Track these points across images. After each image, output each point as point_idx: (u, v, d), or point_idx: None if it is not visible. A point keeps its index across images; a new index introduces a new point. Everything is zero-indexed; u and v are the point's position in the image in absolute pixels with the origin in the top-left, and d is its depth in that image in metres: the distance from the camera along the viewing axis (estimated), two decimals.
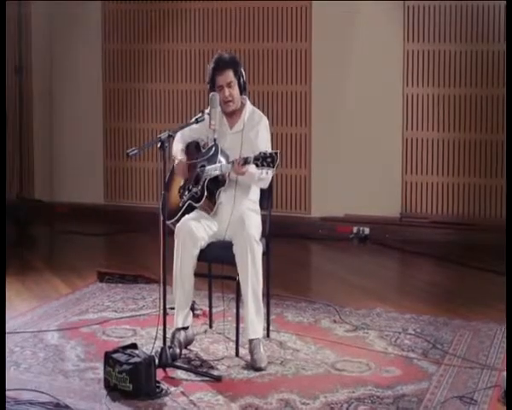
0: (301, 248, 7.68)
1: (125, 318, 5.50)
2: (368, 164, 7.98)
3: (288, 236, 7.73)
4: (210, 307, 5.32)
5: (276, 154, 4.47)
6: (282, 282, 6.15)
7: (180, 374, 4.51)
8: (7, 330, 5.10)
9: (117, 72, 8.78)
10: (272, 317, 5.32)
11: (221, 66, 4.85)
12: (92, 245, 7.79)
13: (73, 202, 8.85)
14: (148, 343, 4.82)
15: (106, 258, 7.52)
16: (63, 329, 5.24)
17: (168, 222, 4.85)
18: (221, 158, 4.83)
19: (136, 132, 8.73)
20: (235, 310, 4.90)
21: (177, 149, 5.00)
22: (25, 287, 6.27)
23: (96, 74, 8.83)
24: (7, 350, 4.80)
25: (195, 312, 5.44)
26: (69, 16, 8.80)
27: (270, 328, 5.15)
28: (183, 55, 8.50)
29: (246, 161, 4.58)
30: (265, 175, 4.62)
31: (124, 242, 7.91)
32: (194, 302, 5.41)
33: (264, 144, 4.85)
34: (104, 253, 7.78)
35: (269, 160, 4.47)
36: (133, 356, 4.26)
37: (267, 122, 4.99)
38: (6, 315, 5.39)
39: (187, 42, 8.47)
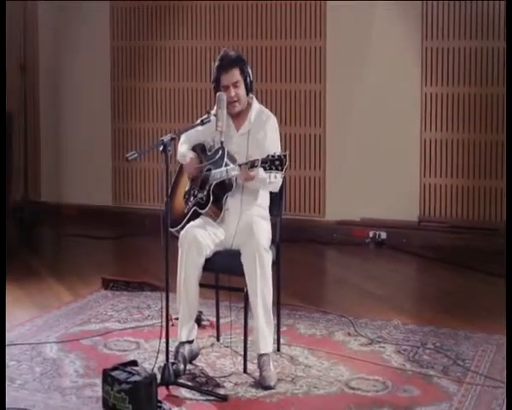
0: (315, 254, 7.40)
1: (129, 329, 5.23)
2: (385, 166, 7.69)
3: (301, 240, 7.48)
4: (217, 318, 5.04)
5: (284, 156, 4.19)
6: (294, 290, 5.90)
7: (184, 392, 4.25)
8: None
9: (125, 70, 8.53)
10: (283, 328, 5.06)
11: (227, 64, 4.58)
12: (98, 249, 7.52)
13: (80, 203, 8.60)
14: (152, 358, 4.57)
15: (112, 263, 7.27)
16: (63, 341, 4.98)
17: (172, 230, 4.58)
18: (228, 161, 4.56)
19: (145, 133, 8.48)
20: (243, 322, 4.62)
21: (184, 149, 4.73)
22: (26, 294, 6.03)
23: (104, 73, 8.57)
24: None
25: (202, 322, 5.20)
26: (76, 13, 8.55)
27: (281, 341, 4.87)
28: (194, 53, 8.24)
29: (253, 164, 4.30)
30: (274, 179, 4.35)
31: (131, 246, 7.64)
32: (201, 313, 5.19)
33: (273, 146, 4.57)
34: (111, 257, 7.52)
35: (277, 163, 4.20)
36: (133, 374, 3.99)
37: (275, 121, 4.71)
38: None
39: (197, 39, 8.21)
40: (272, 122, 4.68)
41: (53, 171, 8.81)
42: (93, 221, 8.33)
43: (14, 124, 8.59)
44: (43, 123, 8.82)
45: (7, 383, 4.33)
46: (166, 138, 4.20)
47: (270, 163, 4.22)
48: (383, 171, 7.69)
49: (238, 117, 4.69)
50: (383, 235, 7.56)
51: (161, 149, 4.17)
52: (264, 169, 4.24)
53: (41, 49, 8.73)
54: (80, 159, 8.69)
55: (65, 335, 5.10)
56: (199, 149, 4.76)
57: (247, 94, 4.64)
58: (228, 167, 4.48)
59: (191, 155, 4.68)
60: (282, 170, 4.21)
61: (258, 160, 4.27)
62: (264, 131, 4.63)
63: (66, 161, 8.79)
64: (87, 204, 8.58)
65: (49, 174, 8.83)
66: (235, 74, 4.57)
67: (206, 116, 4.51)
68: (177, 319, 4.71)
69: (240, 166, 4.42)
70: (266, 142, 4.59)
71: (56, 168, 8.81)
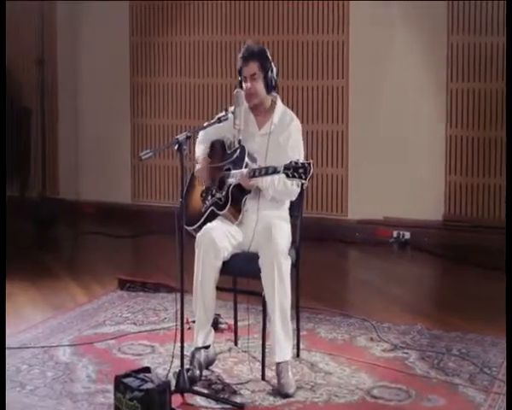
0: (337, 254, 7.22)
1: (144, 332, 5.08)
2: (409, 163, 7.50)
3: (323, 239, 7.35)
4: (235, 322, 4.89)
5: (308, 164, 3.99)
6: (315, 292, 5.75)
7: (199, 400, 4.09)
8: (16, 345, 4.75)
9: (145, 66, 8.39)
10: (303, 333, 4.89)
11: (247, 56, 4.45)
12: (116, 248, 7.38)
13: (99, 201, 8.49)
14: (167, 362, 4.41)
15: (130, 262, 7.13)
16: (76, 344, 4.84)
17: (189, 228, 4.44)
18: (248, 161, 4.40)
19: (166, 129, 8.35)
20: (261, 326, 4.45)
21: (200, 151, 4.58)
22: (41, 294, 5.90)
23: (123, 69, 8.45)
24: (13, 369, 4.44)
25: (220, 326, 5.05)
26: (95, 9, 8.41)
27: (301, 346, 4.70)
28: (215, 48, 8.09)
29: (275, 171, 4.12)
30: (291, 187, 4.24)
31: (150, 244, 7.50)
32: (218, 316, 5.05)
33: (296, 151, 4.39)
34: (128, 257, 7.38)
35: (301, 171, 4.00)
36: (146, 381, 3.84)
37: (299, 124, 4.54)
38: (16, 327, 5.08)
39: (218, 34, 8.06)
40: (296, 125, 4.51)
41: (71, 168, 8.70)
42: (111, 219, 8.22)
43: (32, 120, 8.50)
44: (62, 119, 8.71)
45: (17, 388, 4.22)
46: (181, 137, 4.04)
47: (294, 170, 4.02)
48: (407, 168, 7.51)
49: (261, 115, 4.54)
50: (407, 235, 7.38)
51: (176, 147, 4.02)
52: (287, 176, 4.04)
53: (59, 45, 8.64)
54: (99, 155, 8.57)
55: (78, 337, 4.97)
56: (218, 145, 4.61)
57: (268, 91, 4.48)
58: (249, 169, 4.32)
59: (202, 161, 4.53)
60: (305, 179, 4.00)
61: (280, 166, 4.08)
62: (287, 134, 4.46)
63: (84, 157, 8.68)
64: (105, 201, 8.47)
65: (67, 171, 8.72)
66: (253, 67, 4.43)
67: (223, 113, 4.36)
68: (193, 322, 4.56)
69: (254, 171, 4.25)
70: (288, 146, 4.43)
71: (75, 165, 8.70)
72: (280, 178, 4.26)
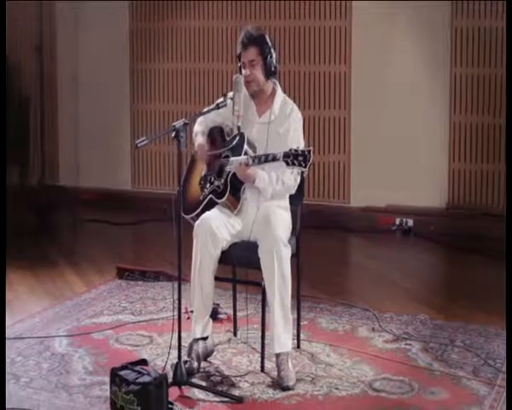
0: (338, 242, 7.13)
1: (142, 322, 5.00)
2: (412, 150, 7.41)
3: (325, 227, 7.26)
4: (234, 312, 4.80)
5: (308, 152, 3.92)
6: (316, 280, 5.68)
7: (197, 393, 4.01)
8: (12, 336, 4.68)
9: (144, 51, 8.29)
10: (304, 323, 4.81)
11: (246, 41, 4.35)
12: (116, 235, 7.30)
13: (99, 187, 8.40)
14: (165, 354, 4.32)
15: (129, 250, 7.05)
16: (73, 335, 4.76)
17: (187, 217, 4.37)
18: (247, 148, 4.31)
19: (165, 115, 8.25)
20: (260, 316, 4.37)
21: (198, 131, 4.47)
22: (39, 283, 5.84)
23: (122, 54, 8.35)
24: (8, 360, 4.35)
25: (219, 316, 4.97)
26: None
27: (301, 337, 4.62)
28: (215, 33, 7.98)
29: (274, 158, 4.04)
30: (289, 183, 4.23)
31: (150, 232, 7.42)
32: (217, 305, 4.97)
33: (296, 141, 4.29)
34: (128, 244, 7.29)
35: (300, 158, 3.93)
36: (143, 374, 3.76)
37: (300, 114, 4.43)
38: (14, 317, 5.01)
39: (218, 19, 7.95)
40: (296, 115, 4.41)
41: (70, 154, 8.62)
42: (111, 206, 8.13)
43: (32, 107, 8.42)
44: (61, 106, 8.63)
45: (12, 380, 4.14)
46: (179, 124, 3.94)
47: (293, 158, 3.95)
48: (410, 155, 7.42)
49: (261, 102, 4.44)
50: (410, 222, 7.29)
51: (173, 135, 3.92)
52: (287, 164, 3.98)
53: (58, 32, 8.55)
54: (98, 142, 8.49)
55: (76, 327, 4.89)
56: (217, 132, 4.51)
57: (267, 77, 4.38)
58: (247, 157, 4.23)
59: (200, 140, 4.43)
60: (305, 166, 3.94)
61: (279, 153, 4.01)
62: (287, 124, 4.36)
63: (84, 144, 8.60)
64: (105, 188, 8.38)
65: (66, 158, 8.64)
66: (253, 53, 4.33)
67: (221, 100, 4.27)
68: (192, 311, 4.47)
69: (253, 158, 4.16)
70: (289, 136, 4.33)
71: (74, 152, 8.61)
72: (278, 177, 4.22)
